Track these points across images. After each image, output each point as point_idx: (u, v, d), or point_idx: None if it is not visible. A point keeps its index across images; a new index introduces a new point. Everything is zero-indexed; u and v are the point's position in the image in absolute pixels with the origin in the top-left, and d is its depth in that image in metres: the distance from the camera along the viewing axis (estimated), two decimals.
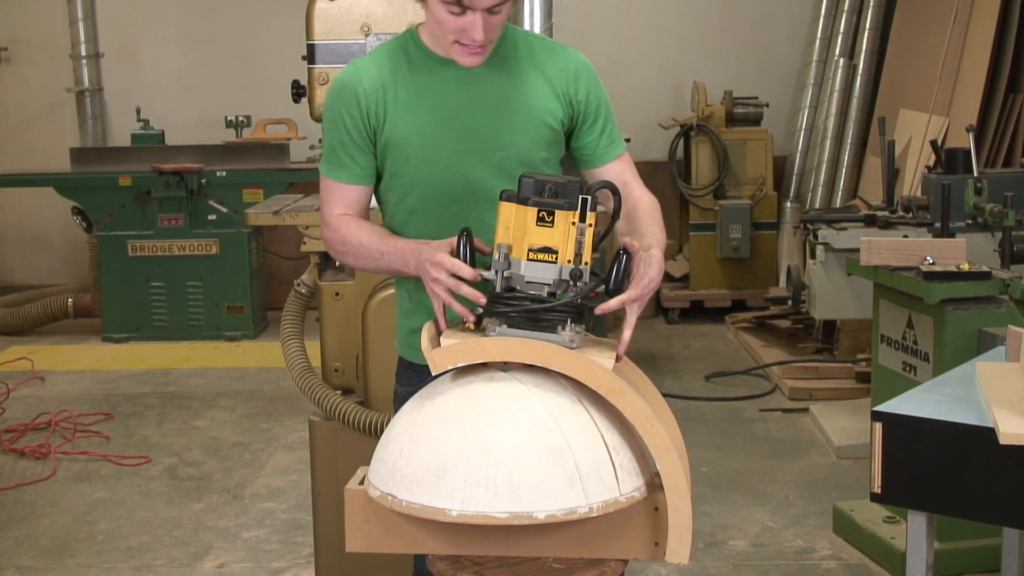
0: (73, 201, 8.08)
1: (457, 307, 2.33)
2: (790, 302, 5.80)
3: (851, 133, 8.41)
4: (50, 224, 9.42)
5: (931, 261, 4.09)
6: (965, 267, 4.05)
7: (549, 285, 2.27)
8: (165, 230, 7.92)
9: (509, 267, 2.27)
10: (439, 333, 2.38)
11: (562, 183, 2.27)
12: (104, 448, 5.76)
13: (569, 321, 2.27)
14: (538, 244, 2.26)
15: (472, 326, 2.34)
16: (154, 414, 6.36)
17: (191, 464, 5.55)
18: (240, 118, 8.55)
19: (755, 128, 8.48)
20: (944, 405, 2.57)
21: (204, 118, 9.03)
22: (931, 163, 5.67)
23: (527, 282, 2.28)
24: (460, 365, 2.29)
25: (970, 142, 5.23)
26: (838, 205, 8.04)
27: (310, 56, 3.65)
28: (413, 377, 2.64)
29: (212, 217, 7.94)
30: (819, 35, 8.75)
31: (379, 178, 2.66)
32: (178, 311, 7.98)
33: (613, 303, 2.31)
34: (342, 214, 2.62)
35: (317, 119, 3.73)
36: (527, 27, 5.74)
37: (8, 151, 9.39)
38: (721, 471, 5.26)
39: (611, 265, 2.32)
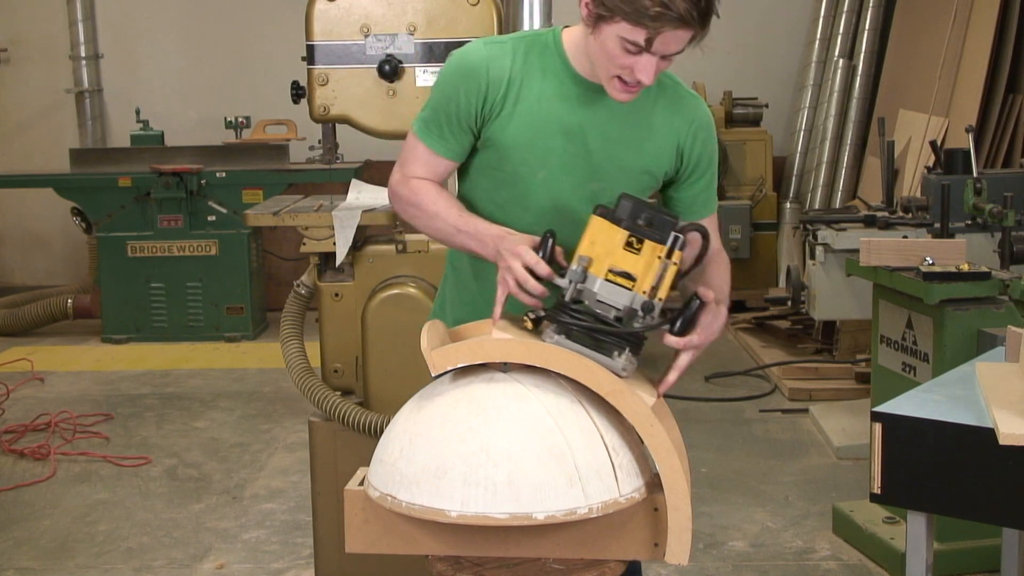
0: (73, 202, 8.08)
1: (524, 297, 2.30)
2: (790, 303, 5.81)
3: (851, 134, 8.41)
4: (50, 225, 9.42)
5: (931, 262, 4.09)
6: (964, 268, 4.05)
7: (618, 310, 2.26)
8: (165, 231, 7.92)
9: (584, 281, 2.25)
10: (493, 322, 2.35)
11: (659, 216, 2.24)
12: (104, 449, 5.76)
13: (627, 350, 2.27)
14: (620, 268, 2.25)
15: (530, 325, 2.32)
16: (154, 415, 6.36)
17: (191, 465, 5.55)
18: (240, 119, 8.55)
19: (755, 129, 8.48)
20: (944, 406, 2.57)
21: (204, 119, 9.03)
22: (930, 164, 5.68)
23: (598, 300, 2.26)
24: (460, 366, 2.30)
25: (969, 142, 5.23)
26: (838, 206, 8.04)
27: (309, 57, 3.65)
28: None
29: (212, 218, 7.94)
30: (819, 36, 8.76)
31: (471, 160, 2.60)
32: (178, 312, 7.98)
33: (675, 341, 2.32)
34: (423, 178, 2.57)
35: (317, 120, 3.74)
36: (526, 27, 5.74)
37: (8, 152, 9.40)
38: (721, 472, 5.26)
39: (681, 309, 2.32)
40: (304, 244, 3.69)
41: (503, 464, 2.15)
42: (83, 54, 9.18)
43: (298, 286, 3.78)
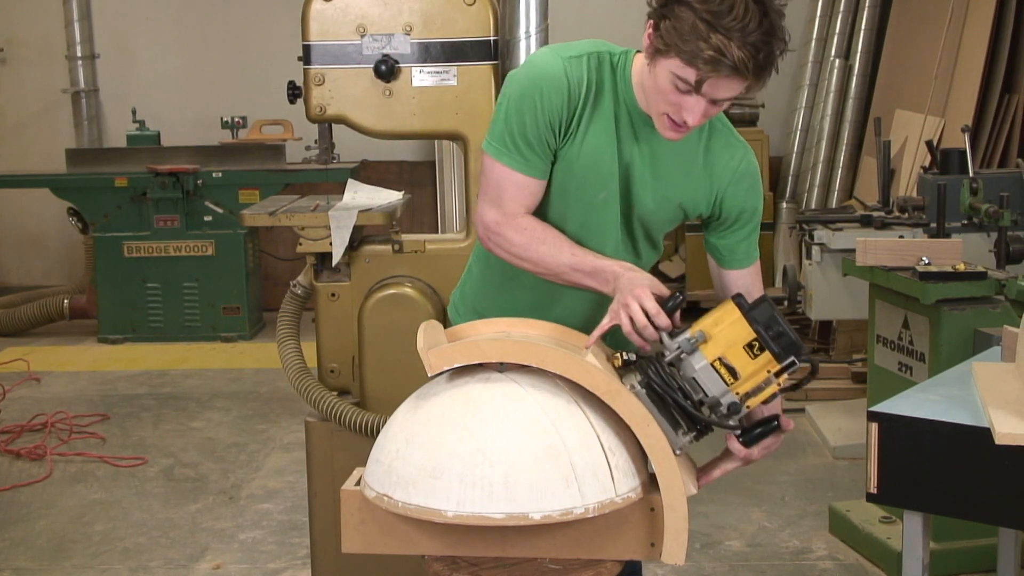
0: (69, 202, 8.07)
1: (635, 338, 2.29)
2: (786, 302, 5.80)
3: (847, 134, 8.41)
4: (46, 225, 9.41)
5: (927, 261, 4.10)
6: (961, 267, 4.06)
7: (706, 397, 2.27)
8: (161, 231, 7.91)
9: (691, 354, 2.26)
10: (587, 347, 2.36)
11: (788, 336, 2.24)
12: (100, 449, 5.75)
13: (693, 434, 2.29)
14: (729, 361, 2.25)
15: (618, 363, 2.32)
16: (150, 415, 6.35)
17: (187, 465, 5.55)
18: (236, 119, 8.54)
19: (751, 129, 8.45)
20: (940, 405, 2.57)
21: (200, 119, 9.02)
22: (927, 163, 5.68)
23: (692, 377, 2.27)
24: (456, 366, 2.30)
25: (966, 142, 5.24)
26: (834, 206, 8.04)
27: (306, 57, 3.64)
28: None
29: (208, 218, 7.93)
30: (815, 36, 8.75)
31: None
32: (174, 312, 7.98)
33: (738, 449, 2.38)
34: (525, 215, 2.48)
35: (313, 120, 3.73)
36: (523, 28, 5.74)
37: (4, 152, 9.38)
38: None
39: (757, 423, 2.36)
40: (300, 244, 3.68)
41: (499, 464, 2.15)
42: (79, 54, 9.16)
43: (294, 286, 3.78)
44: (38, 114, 9.49)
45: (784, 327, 2.25)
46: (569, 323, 2.50)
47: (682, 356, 2.26)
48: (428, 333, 2.37)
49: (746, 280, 2.61)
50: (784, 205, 8.56)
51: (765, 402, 2.30)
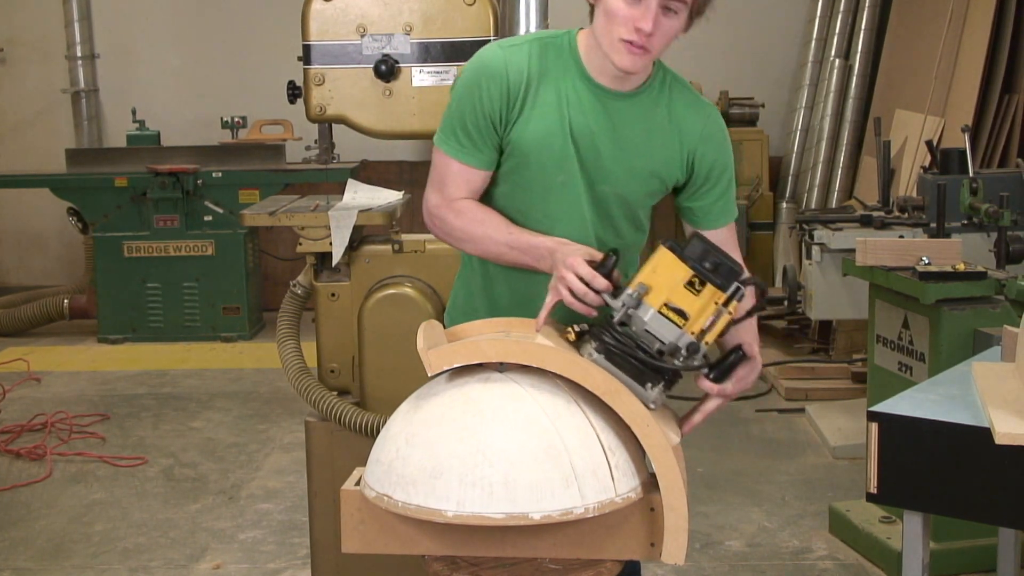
0: (69, 202, 8.07)
1: (578, 306, 2.31)
2: (786, 302, 5.81)
3: (847, 134, 8.41)
4: (46, 225, 9.41)
5: (927, 261, 4.09)
6: (961, 267, 4.06)
7: (664, 344, 2.26)
8: (161, 231, 7.91)
9: (637, 307, 2.26)
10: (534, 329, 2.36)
11: (726, 264, 2.25)
12: (100, 449, 5.75)
13: (662, 384, 2.28)
14: (676, 304, 2.24)
15: (572, 337, 2.32)
16: (150, 415, 6.35)
17: (187, 465, 5.55)
18: (236, 119, 8.54)
19: (751, 128, 8.48)
20: (940, 405, 2.57)
21: (200, 119, 9.02)
22: (927, 163, 5.68)
23: (646, 330, 2.26)
24: (456, 366, 2.30)
25: (966, 142, 5.24)
26: (834, 206, 8.05)
27: (306, 57, 3.64)
28: None
29: (208, 218, 7.94)
30: (815, 36, 8.76)
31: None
32: (174, 312, 7.98)
33: (710, 387, 2.34)
34: (465, 199, 2.54)
35: (313, 120, 3.73)
36: (523, 29, 5.74)
37: (4, 152, 9.38)
38: (717, 471, 5.26)
39: (723, 357, 2.35)
40: (300, 244, 3.68)
41: (499, 464, 2.15)
42: (79, 54, 9.17)
43: (294, 286, 3.78)
44: (38, 114, 9.49)
45: (720, 257, 2.25)
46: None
47: (629, 312, 2.26)
48: (428, 333, 2.37)
49: (722, 238, 2.60)
50: (784, 205, 8.57)
51: (722, 334, 2.28)
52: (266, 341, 7.79)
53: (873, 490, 2.55)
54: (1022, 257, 4.51)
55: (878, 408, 2.57)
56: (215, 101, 9.02)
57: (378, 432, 2.60)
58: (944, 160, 5.33)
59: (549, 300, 2.36)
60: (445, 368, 2.30)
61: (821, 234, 5.23)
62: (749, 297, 2.36)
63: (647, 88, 2.55)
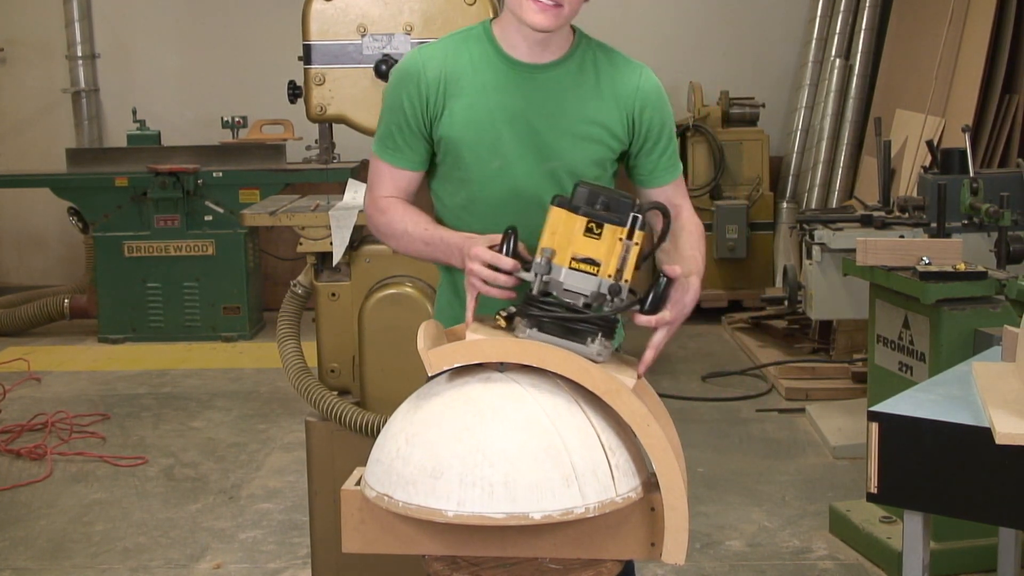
0: (69, 202, 8.07)
1: (495, 292, 2.32)
2: (786, 302, 5.81)
3: (847, 133, 8.41)
4: (46, 225, 9.41)
5: (927, 261, 4.09)
6: (961, 267, 4.05)
7: (586, 296, 2.27)
8: (161, 231, 7.91)
9: (549, 272, 2.27)
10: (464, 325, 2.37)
11: (616, 198, 2.25)
12: (100, 449, 5.75)
13: (600, 335, 2.27)
14: (582, 254, 2.26)
15: (503, 323, 2.33)
16: (150, 415, 6.35)
17: (187, 465, 5.55)
18: (236, 119, 8.54)
19: (751, 128, 8.49)
20: (940, 405, 2.57)
21: (200, 119, 9.02)
22: (927, 163, 5.68)
23: (565, 290, 2.27)
24: (456, 366, 2.30)
25: (966, 142, 5.24)
26: (834, 205, 8.04)
27: (306, 57, 3.64)
28: None
29: (208, 218, 7.94)
30: (815, 35, 8.76)
31: (434, 169, 2.64)
32: (174, 312, 7.98)
33: (647, 320, 2.32)
34: (390, 197, 2.62)
35: (313, 120, 3.74)
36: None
37: (4, 152, 9.39)
38: (718, 471, 5.26)
39: (650, 288, 2.32)
40: (301, 244, 3.68)
41: (500, 464, 2.15)
42: (79, 54, 9.18)
43: (295, 286, 3.78)
44: (38, 114, 9.49)
45: (608, 194, 2.26)
46: None
47: (545, 279, 2.27)
48: (428, 333, 2.37)
49: (668, 193, 2.63)
50: (784, 205, 8.57)
51: (640, 265, 2.29)
52: (266, 341, 7.79)
53: (873, 490, 2.55)
54: (1022, 257, 4.51)
55: (878, 408, 2.57)
56: (215, 101, 9.02)
57: (378, 432, 2.60)
58: (944, 160, 5.33)
59: (469, 297, 2.37)
60: (445, 368, 2.30)
61: (821, 234, 5.23)
62: (657, 222, 2.37)
63: (570, 55, 2.57)
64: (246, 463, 5.56)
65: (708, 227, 8.19)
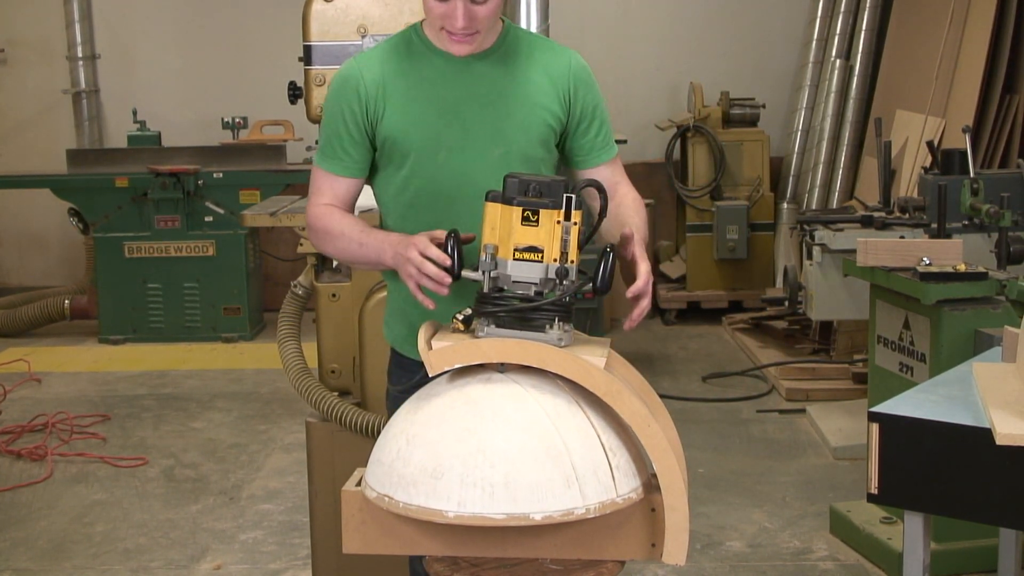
0: (70, 203, 8.08)
1: (430, 285, 2.35)
2: (787, 303, 5.80)
3: (847, 134, 8.41)
4: (47, 226, 9.41)
5: (927, 262, 4.09)
6: (961, 268, 4.05)
7: (536, 284, 2.29)
8: (162, 231, 7.91)
9: (496, 267, 2.29)
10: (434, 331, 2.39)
11: (546, 182, 2.28)
12: (101, 450, 5.75)
13: (557, 320, 2.29)
14: (523, 244, 2.28)
15: (461, 327, 2.35)
16: (151, 416, 6.35)
17: (188, 466, 5.55)
18: (237, 119, 8.55)
19: (752, 129, 8.48)
20: (941, 406, 2.57)
21: (201, 119, 9.03)
22: (927, 164, 5.67)
23: (514, 282, 2.30)
24: (457, 366, 2.30)
25: (966, 143, 5.23)
26: (835, 206, 8.04)
27: (306, 57, 3.65)
28: (403, 375, 2.69)
29: (209, 219, 7.94)
30: (815, 36, 8.76)
31: (376, 171, 2.69)
32: (175, 313, 7.98)
33: (631, 292, 2.37)
34: (328, 204, 2.67)
35: (314, 120, 3.73)
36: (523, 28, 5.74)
37: (5, 153, 9.38)
38: (718, 472, 5.26)
39: (597, 263, 2.33)
40: (301, 245, 3.68)
41: (500, 465, 2.15)
42: (80, 55, 9.17)
43: (295, 287, 3.78)
44: (39, 114, 9.49)
45: (539, 181, 2.28)
46: None
47: (493, 275, 2.29)
48: (429, 333, 2.37)
49: (606, 173, 2.68)
50: (785, 205, 8.57)
51: (584, 244, 2.32)
52: (267, 342, 7.79)
53: (874, 490, 2.56)
54: (1023, 258, 4.50)
55: (879, 409, 2.58)
56: (216, 102, 9.02)
57: (379, 433, 2.60)
58: (945, 161, 5.33)
59: (412, 289, 2.40)
60: (446, 369, 2.30)
61: (822, 235, 5.23)
62: (595, 200, 2.42)
63: (500, 44, 2.63)
64: (246, 464, 5.56)
65: (708, 228, 8.20)
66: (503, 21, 2.66)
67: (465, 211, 2.50)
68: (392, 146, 2.61)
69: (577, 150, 2.69)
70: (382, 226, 2.72)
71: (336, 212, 2.65)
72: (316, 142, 3.98)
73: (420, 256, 2.35)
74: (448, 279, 2.34)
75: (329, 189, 2.67)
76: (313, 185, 2.71)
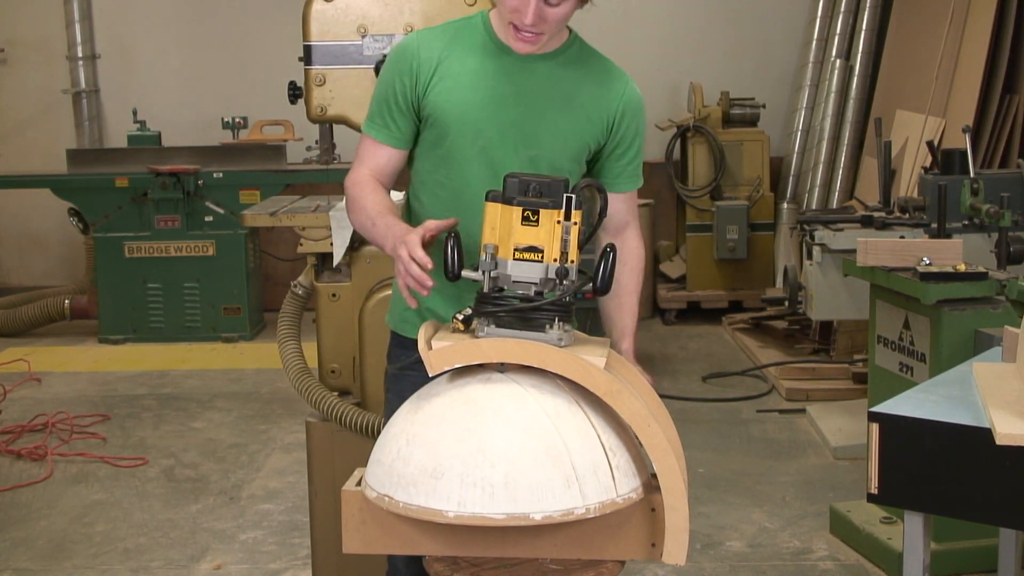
0: (70, 202, 8.08)
1: (411, 282, 2.37)
2: (787, 303, 5.80)
3: (847, 134, 8.42)
4: (47, 225, 9.41)
5: (927, 262, 4.09)
6: (961, 268, 4.05)
7: (536, 284, 2.29)
8: (162, 231, 7.91)
9: (496, 267, 2.29)
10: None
11: (547, 182, 2.28)
12: (101, 450, 5.75)
13: (557, 320, 2.29)
14: (524, 243, 2.28)
15: (461, 327, 2.35)
16: (151, 416, 6.35)
17: (188, 466, 5.55)
18: (237, 119, 8.54)
19: (752, 129, 8.49)
20: (941, 406, 2.57)
21: (201, 119, 9.03)
22: (927, 164, 5.68)
23: (514, 281, 2.30)
24: (457, 366, 2.30)
25: (966, 143, 5.23)
26: (835, 206, 8.04)
27: (306, 57, 3.65)
28: (401, 354, 2.72)
29: (209, 218, 7.94)
30: (816, 36, 8.76)
31: (416, 147, 2.70)
32: (175, 312, 7.98)
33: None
34: (367, 175, 2.67)
35: (314, 120, 3.73)
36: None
37: (5, 152, 9.39)
38: (718, 472, 5.26)
39: (597, 263, 2.33)
40: (301, 244, 3.68)
41: (500, 465, 2.15)
42: (80, 54, 9.18)
43: (295, 287, 3.78)
44: (39, 114, 9.49)
45: (538, 182, 2.29)
46: None
47: (493, 275, 2.29)
48: (429, 333, 2.38)
49: (622, 203, 2.71)
50: (785, 205, 8.57)
51: (584, 244, 2.32)
52: (267, 341, 7.79)
53: (874, 490, 2.55)
54: (1023, 258, 4.50)
55: (879, 409, 2.57)
56: (216, 101, 9.03)
57: (379, 432, 2.60)
58: (945, 161, 5.33)
59: (400, 286, 2.42)
60: (446, 368, 2.30)
61: (822, 234, 5.23)
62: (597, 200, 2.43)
63: (562, 51, 2.64)
64: (246, 464, 5.56)
65: (708, 228, 8.20)
66: (570, 30, 2.67)
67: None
68: (434, 123, 2.63)
69: (604, 172, 2.71)
70: (410, 199, 2.76)
71: (369, 184, 2.66)
72: (315, 143, 3.98)
73: (408, 256, 2.37)
74: (429, 282, 2.34)
75: (371, 157, 2.68)
76: (359, 152, 2.72)
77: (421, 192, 2.71)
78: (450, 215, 2.53)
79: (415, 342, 2.36)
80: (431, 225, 2.43)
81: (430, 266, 2.35)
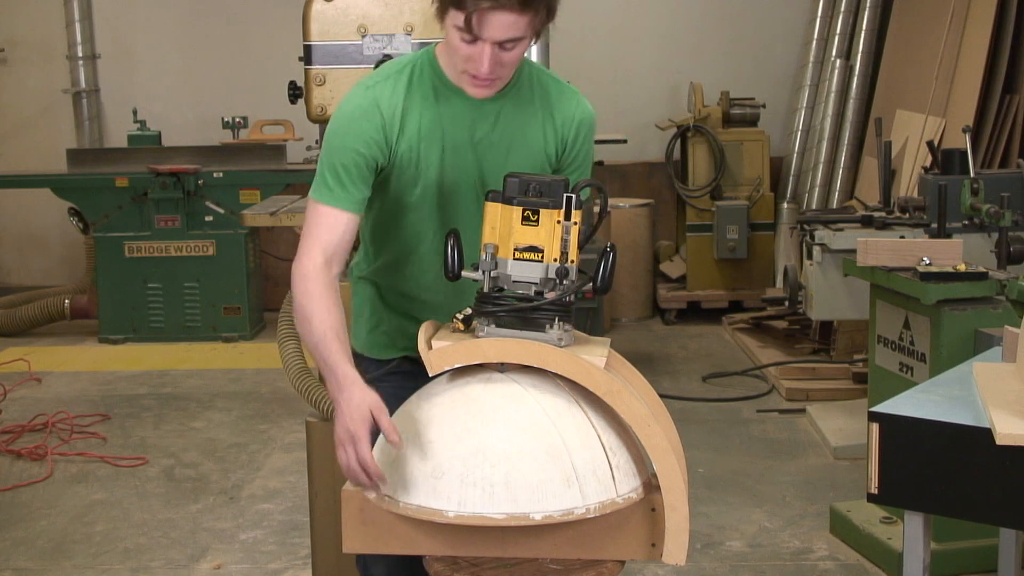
0: (70, 202, 8.07)
1: (355, 478, 2.28)
2: (787, 303, 5.80)
3: (848, 134, 8.42)
4: (47, 225, 9.41)
5: (927, 262, 4.09)
6: (961, 268, 4.05)
7: (536, 284, 2.29)
8: (162, 231, 7.91)
9: (496, 267, 2.29)
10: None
11: (547, 182, 2.29)
12: (101, 449, 5.75)
13: (557, 319, 2.29)
14: (524, 243, 2.29)
15: (461, 327, 2.35)
16: (151, 415, 6.35)
17: (188, 465, 5.55)
18: (237, 119, 8.54)
19: (752, 129, 8.48)
20: (941, 406, 2.57)
21: (201, 119, 9.03)
22: (927, 164, 5.68)
23: (514, 281, 2.30)
24: (457, 366, 2.30)
25: (966, 143, 5.23)
26: (835, 206, 8.04)
27: (307, 57, 3.65)
28: (371, 366, 2.70)
29: (209, 218, 7.94)
30: (816, 36, 8.76)
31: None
32: (175, 312, 7.98)
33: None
34: (322, 267, 2.45)
35: (314, 120, 3.74)
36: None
37: (5, 152, 9.39)
38: (718, 472, 5.26)
39: (597, 263, 2.33)
40: None
41: (500, 464, 2.15)
42: (80, 54, 9.17)
43: None
44: (39, 114, 9.49)
45: (538, 182, 2.29)
46: None
47: (493, 275, 2.30)
48: (429, 333, 2.38)
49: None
50: (785, 205, 8.57)
51: (581, 247, 2.32)
52: (267, 341, 7.79)
53: (874, 490, 2.55)
54: (1023, 258, 4.50)
55: (879, 408, 2.57)
56: (216, 101, 9.02)
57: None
58: (945, 160, 5.33)
59: (341, 462, 2.33)
60: (446, 368, 2.30)
61: (822, 234, 5.23)
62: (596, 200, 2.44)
63: (515, 84, 2.58)
64: (246, 463, 5.56)
65: (708, 228, 8.20)
66: None
67: (437, 235, 2.53)
68: (390, 176, 2.55)
69: None
70: (362, 237, 2.68)
71: (321, 289, 2.42)
72: (315, 143, 3.99)
73: (356, 464, 2.25)
74: (379, 481, 2.26)
75: (328, 229, 2.47)
76: (308, 224, 2.51)
77: (385, 217, 2.63)
78: (403, 263, 2.54)
79: (373, 361, 2.36)
80: (385, 423, 2.24)
81: (381, 477, 2.25)
